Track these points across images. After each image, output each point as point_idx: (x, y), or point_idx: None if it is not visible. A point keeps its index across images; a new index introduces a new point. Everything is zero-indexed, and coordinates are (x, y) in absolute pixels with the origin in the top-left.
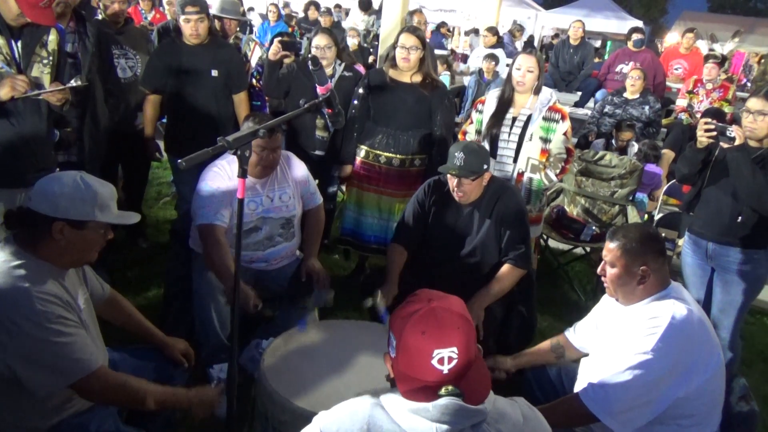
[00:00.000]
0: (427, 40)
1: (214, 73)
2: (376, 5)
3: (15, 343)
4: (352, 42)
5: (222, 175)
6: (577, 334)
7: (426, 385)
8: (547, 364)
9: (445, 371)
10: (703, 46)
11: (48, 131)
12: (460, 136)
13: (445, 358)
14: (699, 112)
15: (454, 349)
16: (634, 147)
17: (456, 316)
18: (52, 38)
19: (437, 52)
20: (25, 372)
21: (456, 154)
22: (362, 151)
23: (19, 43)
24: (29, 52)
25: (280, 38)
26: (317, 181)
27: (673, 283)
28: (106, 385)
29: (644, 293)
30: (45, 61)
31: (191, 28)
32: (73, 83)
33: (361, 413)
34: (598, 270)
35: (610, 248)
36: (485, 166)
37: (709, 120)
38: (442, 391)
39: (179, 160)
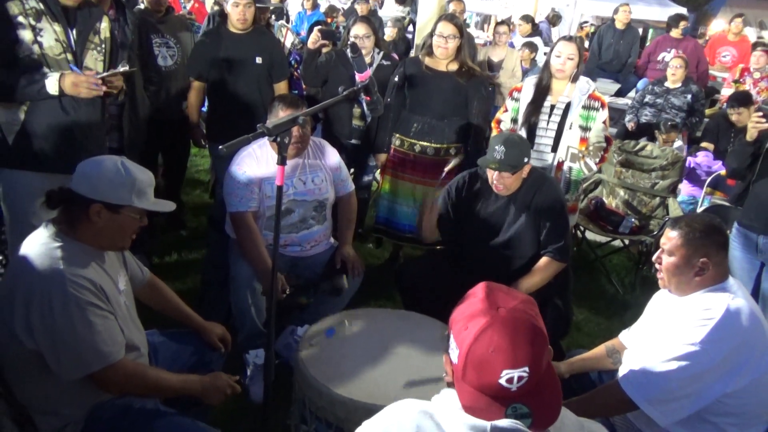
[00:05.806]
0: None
1: (259, 60)
2: None
3: (44, 324)
4: (388, 32)
5: (251, 158)
6: (632, 335)
7: (490, 403)
8: (604, 371)
9: (514, 389)
10: (751, 33)
11: (101, 119)
12: (493, 124)
13: (515, 377)
14: None
15: (526, 368)
16: (679, 143)
17: (528, 327)
18: (104, 26)
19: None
20: (50, 355)
21: (496, 147)
22: (397, 140)
23: (74, 31)
24: (83, 39)
25: (319, 27)
26: (352, 170)
27: (732, 279)
28: (125, 378)
29: (700, 285)
30: (99, 49)
31: (239, 13)
32: (120, 68)
33: (407, 423)
34: (653, 258)
35: (671, 237)
36: (526, 159)
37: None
38: (509, 411)
39: (219, 146)
